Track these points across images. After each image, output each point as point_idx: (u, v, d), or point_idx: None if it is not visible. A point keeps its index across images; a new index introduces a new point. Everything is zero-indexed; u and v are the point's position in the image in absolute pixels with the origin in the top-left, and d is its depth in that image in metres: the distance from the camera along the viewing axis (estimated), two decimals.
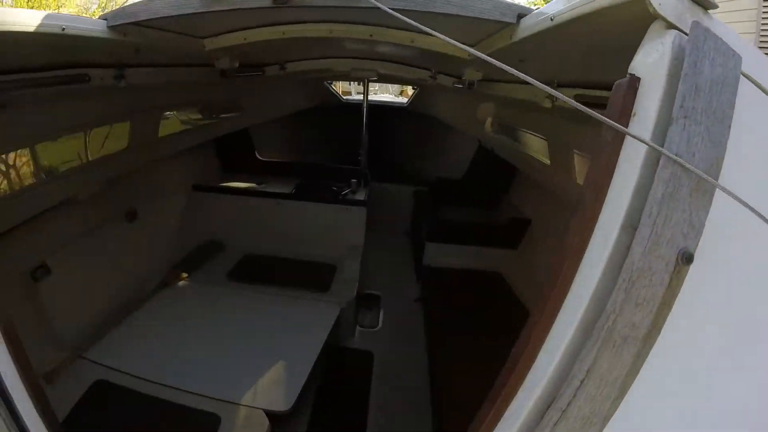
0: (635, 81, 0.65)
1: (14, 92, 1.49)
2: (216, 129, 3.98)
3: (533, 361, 0.74)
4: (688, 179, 0.59)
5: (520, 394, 0.75)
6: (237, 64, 2.60)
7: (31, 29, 1.16)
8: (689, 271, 0.61)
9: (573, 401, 0.64)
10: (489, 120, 3.93)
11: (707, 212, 0.60)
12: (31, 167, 2.09)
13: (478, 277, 3.51)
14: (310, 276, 3.30)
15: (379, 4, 1.24)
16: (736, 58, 0.61)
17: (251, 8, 1.34)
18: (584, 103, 1.55)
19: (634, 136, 0.62)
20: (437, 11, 1.23)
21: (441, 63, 2.72)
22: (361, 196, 3.90)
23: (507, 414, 0.77)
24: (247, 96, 4.17)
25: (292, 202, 3.77)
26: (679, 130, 0.59)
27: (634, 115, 0.65)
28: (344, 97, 6.31)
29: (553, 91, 0.71)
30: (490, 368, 2.51)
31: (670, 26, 0.62)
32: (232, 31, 2.04)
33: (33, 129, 1.96)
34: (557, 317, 0.72)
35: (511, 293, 3.28)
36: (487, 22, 1.26)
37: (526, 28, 1.19)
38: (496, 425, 0.79)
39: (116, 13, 1.44)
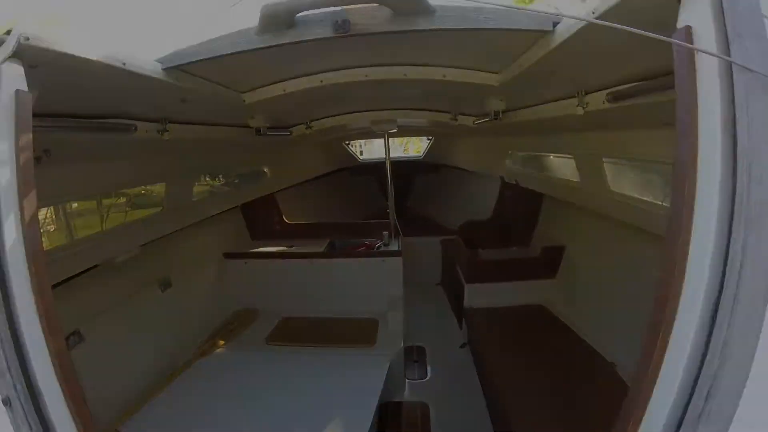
0: (689, 29, 0.79)
1: (62, 134, 1.49)
2: (246, 193, 4.08)
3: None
4: (756, 79, 0.74)
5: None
6: (269, 124, 2.74)
7: (95, 58, 1.19)
8: None
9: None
10: (510, 152, 3.97)
11: None
12: (66, 225, 2.05)
13: (521, 311, 3.42)
14: (352, 332, 3.14)
15: (437, 26, 1.31)
16: None
17: (312, 39, 1.35)
18: (615, 99, 1.53)
19: (708, 52, 0.76)
20: (483, 27, 1.33)
21: (464, 100, 2.81)
22: (394, 246, 3.84)
23: None
24: (274, 162, 4.35)
25: (325, 260, 3.69)
26: (737, 47, 0.75)
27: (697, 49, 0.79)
28: (361, 157, 6.60)
29: None
30: (555, 400, 2.24)
31: None
32: (271, 84, 2.15)
33: (73, 183, 1.98)
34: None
35: (557, 321, 3.19)
36: (527, 33, 1.35)
37: (564, 32, 1.27)
38: None
39: (173, 56, 1.49)
